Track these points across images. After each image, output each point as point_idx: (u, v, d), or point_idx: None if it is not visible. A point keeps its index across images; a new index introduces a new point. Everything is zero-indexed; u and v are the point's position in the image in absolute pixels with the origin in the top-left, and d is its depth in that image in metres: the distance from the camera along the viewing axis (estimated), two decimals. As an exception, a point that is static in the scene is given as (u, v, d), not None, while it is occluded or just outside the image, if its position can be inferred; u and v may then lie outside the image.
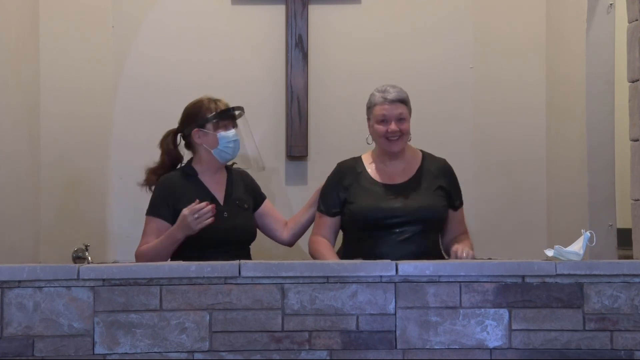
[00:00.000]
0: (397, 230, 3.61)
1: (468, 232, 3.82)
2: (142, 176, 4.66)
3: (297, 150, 4.73)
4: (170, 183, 3.75)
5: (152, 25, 4.77)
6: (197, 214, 3.52)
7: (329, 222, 3.73)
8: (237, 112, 3.79)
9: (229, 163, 3.87)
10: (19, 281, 2.93)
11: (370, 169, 3.74)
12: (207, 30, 4.79)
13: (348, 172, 3.74)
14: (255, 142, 3.92)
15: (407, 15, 4.82)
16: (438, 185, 3.71)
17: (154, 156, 4.69)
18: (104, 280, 2.94)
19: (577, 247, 3.07)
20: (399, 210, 3.61)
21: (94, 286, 2.94)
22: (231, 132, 3.73)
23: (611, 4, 4.22)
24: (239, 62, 4.78)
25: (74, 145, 4.72)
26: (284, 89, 4.75)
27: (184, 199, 3.69)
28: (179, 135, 3.86)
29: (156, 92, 4.74)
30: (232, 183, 3.82)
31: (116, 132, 4.75)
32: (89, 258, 4.55)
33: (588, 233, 3.10)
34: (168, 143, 3.84)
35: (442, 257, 3.72)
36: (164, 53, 4.76)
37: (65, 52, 4.72)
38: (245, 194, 3.83)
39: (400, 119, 3.65)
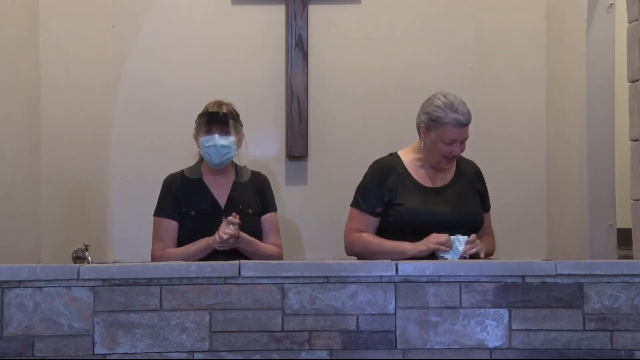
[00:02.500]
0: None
1: (493, 235, 3.77)
2: (142, 176, 4.68)
3: (297, 150, 4.72)
4: (174, 184, 3.75)
5: (152, 25, 4.77)
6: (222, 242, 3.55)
7: (372, 221, 3.61)
8: (231, 121, 3.71)
9: (242, 165, 3.85)
10: (19, 281, 2.93)
11: (411, 170, 3.65)
12: (207, 30, 4.79)
13: (390, 171, 3.64)
14: (242, 155, 3.88)
15: (407, 15, 4.82)
16: (475, 189, 3.69)
17: (154, 156, 4.71)
18: (104, 280, 2.94)
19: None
20: (448, 215, 3.54)
21: (94, 286, 2.94)
22: (210, 138, 3.68)
23: (611, 4, 4.22)
24: (239, 62, 4.78)
25: (74, 145, 4.72)
26: (284, 89, 4.75)
27: (185, 199, 3.70)
28: None
29: (156, 92, 4.74)
30: (238, 187, 3.79)
31: (116, 132, 4.75)
32: (89, 258, 4.55)
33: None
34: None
35: None
36: (164, 53, 4.76)
37: (65, 52, 4.72)
38: (254, 198, 3.79)
39: (463, 142, 3.58)
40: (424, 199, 3.59)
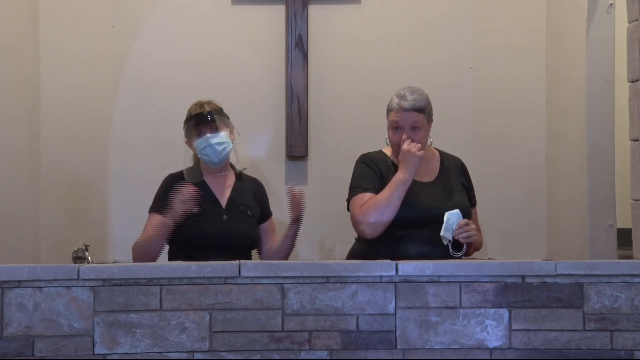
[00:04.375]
0: (432, 229, 3.52)
1: (480, 230, 3.79)
2: (142, 176, 4.68)
3: (297, 150, 4.72)
4: (174, 182, 3.76)
5: (152, 25, 4.77)
6: (183, 197, 3.57)
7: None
8: (216, 117, 3.74)
9: (239, 168, 3.88)
10: (19, 281, 2.93)
11: (397, 165, 3.66)
12: (207, 30, 4.79)
13: (379, 162, 3.67)
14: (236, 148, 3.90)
15: (407, 15, 4.82)
16: (461, 183, 3.71)
17: (154, 156, 4.71)
18: (104, 280, 2.94)
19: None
20: (436, 209, 3.53)
21: (94, 286, 2.94)
22: (203, 139, 3.72)
23: (611, 4, 4.22)
24: (239, 62, 4.78)
25: (74, 145, 4.72)
26: (284, 89, 4.74)
27: None
28: None
29: (156, 92, 4.74)
30: (239, 189, 3.82)
31: (116, 132, 4.75)
32: (89, 258, 4.55)
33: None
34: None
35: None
36: (164, 53, 4.76)
37: (65, 52, 4.72)
38: (253, 201, 3.83)
39: (414, 128, 3.59)
40: (412, 193, 3.59)
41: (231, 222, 3.72)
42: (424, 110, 3.61)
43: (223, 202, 3.77)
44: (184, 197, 3.58)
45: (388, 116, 3.65)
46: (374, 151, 3.75)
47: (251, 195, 3.84)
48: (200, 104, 3.81)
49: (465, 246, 3.52)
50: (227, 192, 3.79)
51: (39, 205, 4.68)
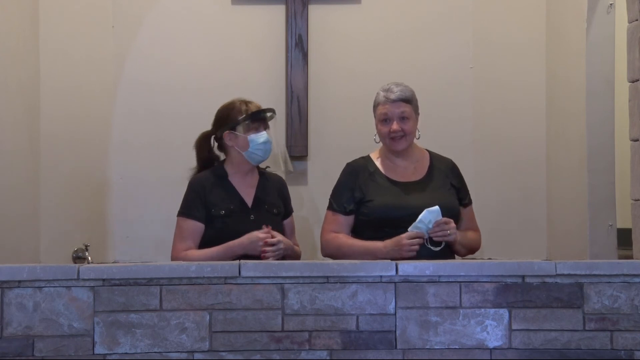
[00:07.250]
0: None
1: (479, 231, 3.80)
2: (142, 176, 4.69)
3: (297, 150, 4.72)
4: (201, 184, 3.77)
5: (152, 25, 4.77)
6: (266, 246, 3.59)
7: (346, 221, 3.68)
8: (268, 115, 3.79)
9: (262, 166, 3.89)
10: (19, 281, 2.93)
11: (383, 167, 3.72)
12: (207, 30, 4.79)
13: (361, 170, 3.71)
14: (282, 145, 3.93)
15: (407, 15, 4.82)
16: (450, 183, 3.72)
17: (154, 156, 4.71)
18: (104, 280, 2.94)
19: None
20: (420, 208, 3.54)
21: (94, 286, 2.94)
22: (262, 135, 3.73)
23: (611, 4, 4.22)
24: (239, 62, 4.78)
25: (74, 145, 4.71)
26: (284, 89, 4.75)
27: (213, 199, 3.72)
28: (212, 138, 3.84)
29: (156, 92, 4.74)
30: (263, 187, 3.82)
31: (116, 132, 4.75)
32: (89, 258, 4.55)
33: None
34: (202, 147, 3.84)
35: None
36: (164, 53, 4.76)
37: (65, 52, 4.72)
38: (277, 199, 3.84)
39: (403, 118, 3.65)
40: (397, 193, 3.64)
41: (259, 222, 3.70)
42: (410, 101, 3.68)
43: (249, 201, 3.77)
44: (255, 241, 3.61)
45: (375, 111, 3.71)
46: (361, 157, 3.79)
47: (275, 193, 3.85)
48: (247, 101, 3.80)
49: (443, 243, 3.53)
50: (252, 192, 3.80)
51: (39, 205, 4.68)
